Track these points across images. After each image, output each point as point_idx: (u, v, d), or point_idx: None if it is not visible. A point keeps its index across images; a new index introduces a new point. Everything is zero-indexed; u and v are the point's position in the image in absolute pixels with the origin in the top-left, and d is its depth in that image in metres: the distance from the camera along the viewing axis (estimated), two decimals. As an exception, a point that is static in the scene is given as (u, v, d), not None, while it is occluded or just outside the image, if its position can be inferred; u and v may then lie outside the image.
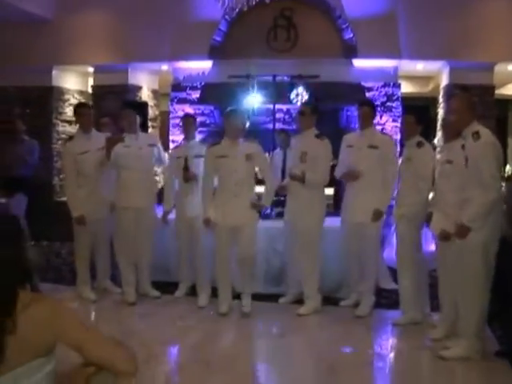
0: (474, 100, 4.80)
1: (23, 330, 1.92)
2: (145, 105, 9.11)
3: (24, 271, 2.05)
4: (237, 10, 7.76)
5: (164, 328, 5.48)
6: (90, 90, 10.91)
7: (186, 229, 6.24)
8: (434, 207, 5.20)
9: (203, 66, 9.33)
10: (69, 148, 6.28)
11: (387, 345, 5.39)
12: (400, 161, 5.82)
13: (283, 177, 6.68)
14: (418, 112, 5.88)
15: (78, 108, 6.38)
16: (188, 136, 6.31)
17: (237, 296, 6.07)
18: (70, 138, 6.49)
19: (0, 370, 1.91)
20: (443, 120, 5.38)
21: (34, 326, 1.95)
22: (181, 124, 6.52)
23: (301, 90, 8.68)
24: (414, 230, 5.51)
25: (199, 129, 9.24)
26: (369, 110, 5.93)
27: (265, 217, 6.57)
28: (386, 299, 6.33)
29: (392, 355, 5.11)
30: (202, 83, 9.39)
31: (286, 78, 8.63)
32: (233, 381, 4.35)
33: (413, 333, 5.40)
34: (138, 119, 6.28)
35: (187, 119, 6.42)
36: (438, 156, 5.74)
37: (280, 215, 6.51)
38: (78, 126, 6.41)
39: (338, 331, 5.50)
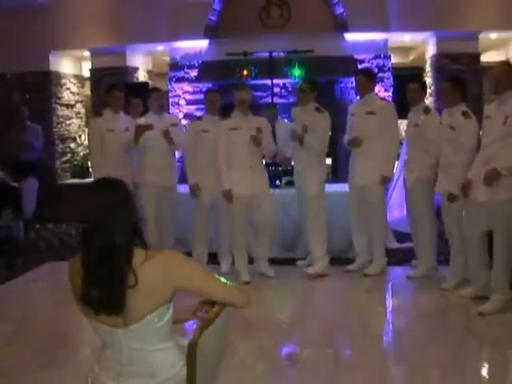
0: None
1: (143, 284, 2.12)
2: (146, 85, 9.34)
3: (135, 230, 2.23)
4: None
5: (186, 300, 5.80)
6: (84, 74, 11.14)
7: (209, 201, 6.43)
8: (439, 169, 5.62)
9: (199, 45, 9.57)
10: (96, 123, 6.62)
11: (407, 295, 5.87)
12: (407, 127, 6.19)
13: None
14: (421, 80, 6.28)
15: (111, 89, 6.61)
16: (213, 111, 6.42)
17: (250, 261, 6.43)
18: (98, 114, 6.80)
19: (125, 321, 2.17)
20: (444, 87, 5.70)
21: (153, 280, 2.15)
22: (205, 99, 6.60)
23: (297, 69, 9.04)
24: (430, 191, 5.93)
25: (198, 106, 9.52)
26: (363, 78, 6.21)
27: (275, 186, 6.93)
28: (393, 258, 6.74)
29: (412, 304, 5.65)
30: (199, 62, 9.64)
31: (281, 53, 8.93)
32: (274, 336, 4.76)
33: (427, 284, 5.91)
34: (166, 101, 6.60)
35: (212, 94, 6.53)
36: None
37: (289, 184, 6.89)
38: (109, 105, 6.63)
39: (356, 288, 5.97)
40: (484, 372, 4.16)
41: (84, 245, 2.17)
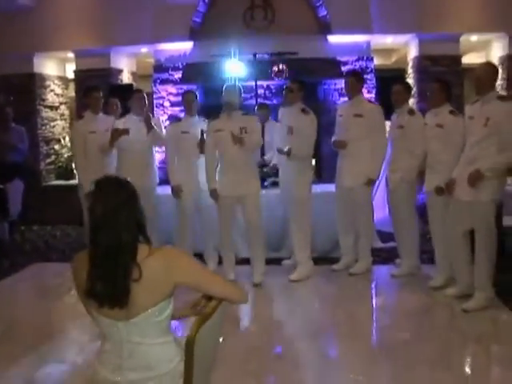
0: (496, 70, 5.15)
1: (146, 278, 2.24)
2: (130, 87, 9.36)
3: (140, 227, 2.33)
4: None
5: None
6: (68, 76, 11.12)
7: (191, 202, 6.46)
8: (427, 168, 5.69)
9: (184, 46, 9.60)
10: (79, 126, 6.65)
11: (392, 293, 6.00)
12: (390, 128, 6.27)
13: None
14: (405, 82, 6.39)
15: (89, 91, 6.68)
16: (191, 112, 6.43)
17: (239, 261, 6.52)
18: (80, 117, 6.87)
19: (127, 314, 2.26)
20: (429, 88, 5.79)
21: (155, 274, 2.26)
22: (182, 100, 6.59)
23: (281, 67, 9.10)
24: (412, 191, 6.06)
25: (182, 107, 9.51)
26: (354, 79, 6.27)
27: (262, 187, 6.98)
28: (377, 257, 6.85)
29: (397, 302, 5.78)
30: (184, 63, 9.69)
31: (265, 55, 9.00)
32: (262, 334, 4.90)
33: (411, 282, 6.04)
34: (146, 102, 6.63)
35: (188, 95, 6.51)
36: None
37: (274, 184, 6.94)
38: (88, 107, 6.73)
39: (341, 287, 6.07)
40: (469, 367, 4.25)
41: (92, 241, 2.26)
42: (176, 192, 6.42)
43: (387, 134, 6.34)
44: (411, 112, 5.99)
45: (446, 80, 5.93)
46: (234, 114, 6.03)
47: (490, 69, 5.06)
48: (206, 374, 2.49)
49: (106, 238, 2.23)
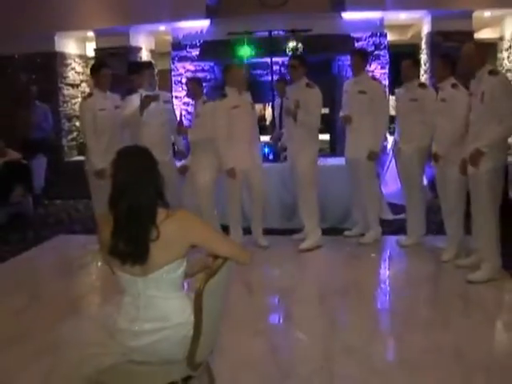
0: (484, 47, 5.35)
1: (163, 239, 2.51)
2: (150, 64, 9.56)
3: (158, 192, 2.59)
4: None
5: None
6: (88, 54, 11.39)
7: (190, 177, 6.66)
8: (433, 142, 5.85)
9: (201, 24, 9.84)
10: (88, 104, 6.46)
11: (400, 262, 6.24)
12: (401, 102, 6.42)
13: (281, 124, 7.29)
14: (414, 57, 6.57)
15: (99, 68, 6.53)
16: (195, 98, 6.66)
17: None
18: (89, 94, 6.71)
19: (145, 271, 2.54)
20: (437, 63, 5.95)
21: (171, 235, 2.53)
22: (186, 88, 6.75)
23: (294, 43, 9.28)
24: (423, 160, 6.24)
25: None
26: (359, 58, 6.48)
27: (275, 160, 7.28)
28: (388, 228, 7.06)
29: (404, 270, 6.00)
30: (201, 41, 9.91)
31: (281, 32, 9.17)
32: (271, 299, 5.20)
33: (418, 251, 6.28)
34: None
35: (192, 83, 6.67)
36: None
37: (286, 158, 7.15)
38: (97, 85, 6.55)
39: (351, 256, 6.30)
40: (467, 330, 4.41)
41: (115, 205, 2.53)
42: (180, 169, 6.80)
43: (396, 108, 6.50)
44: (423, 85, 6.21)
45: (449, 54, 6.07)
46: (244, 91, 6.36)
47: (477, 47, 5.23)
48: (214, 325, 2.75)
49: (128, 202, 2.49)
